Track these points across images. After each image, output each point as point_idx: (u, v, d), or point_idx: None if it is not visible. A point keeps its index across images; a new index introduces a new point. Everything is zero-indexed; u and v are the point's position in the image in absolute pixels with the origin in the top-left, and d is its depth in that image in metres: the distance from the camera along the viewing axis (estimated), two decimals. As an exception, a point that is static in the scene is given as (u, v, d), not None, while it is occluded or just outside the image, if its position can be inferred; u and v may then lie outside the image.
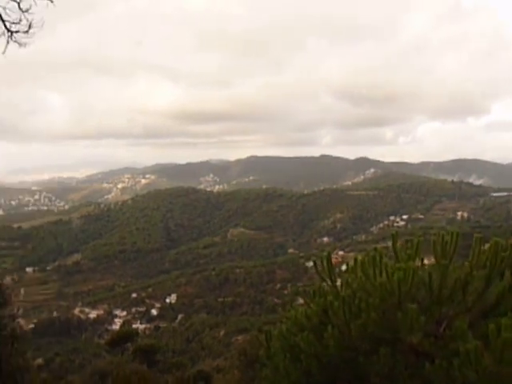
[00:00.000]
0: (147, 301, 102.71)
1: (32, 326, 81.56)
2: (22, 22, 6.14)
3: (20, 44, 6.28)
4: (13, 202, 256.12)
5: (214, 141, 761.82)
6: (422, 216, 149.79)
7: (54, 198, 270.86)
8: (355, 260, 5.96)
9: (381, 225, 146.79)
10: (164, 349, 30.79)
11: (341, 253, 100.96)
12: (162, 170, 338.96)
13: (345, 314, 5.33)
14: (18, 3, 6.08)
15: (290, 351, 5.82)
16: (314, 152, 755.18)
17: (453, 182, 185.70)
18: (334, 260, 6.17)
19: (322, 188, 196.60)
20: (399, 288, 5.04)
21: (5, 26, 6.11)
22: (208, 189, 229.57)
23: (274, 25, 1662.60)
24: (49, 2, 6.20)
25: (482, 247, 5.45)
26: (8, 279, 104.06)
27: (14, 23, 6.14)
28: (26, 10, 6.11)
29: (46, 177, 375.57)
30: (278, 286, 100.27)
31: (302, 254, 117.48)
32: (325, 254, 6.05)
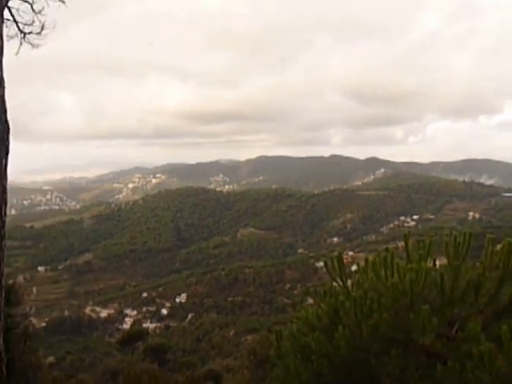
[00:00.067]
0: (157, 300, 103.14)
1: (44, 324, 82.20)
2: (34, 24, 6.21)
3: (33, 45, 6.35)
4: (25, 202, 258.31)
5: (224, 141, 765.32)
6: (432, 216, 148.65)
7: (65, 198, 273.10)
8: (366, 260, 5.93)
9: (391, 225, 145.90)
10: (174, 348, 30.93)
11: (351, 253, 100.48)
12: (172, 169, 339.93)
13: (356, 315, 5.30)
14: (31, 5, 6.15)
15: (301, 351, 5.81)
16: (324, 152, 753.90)
17: (464, 182, 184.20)
18: (344, 260, 6.14)
19: (331, 188, 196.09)
20: (411, 289, 5.01)
21: (18, 27, 6.18)
22: (218, 189, 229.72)
23: (283, 24, 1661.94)
24: (61, 4, 6.26)
25: (495, 248, 5.40)
26: (20, 278, 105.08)
27: (26, 25, 6.21)
28: (39, 12, 6.18)
29: (57, 177, 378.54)
30: (288, 286, 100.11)
31: (311, 255, 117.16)
32: (336, 254, 6.03)
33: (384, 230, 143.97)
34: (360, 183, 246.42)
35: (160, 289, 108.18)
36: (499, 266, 5.22)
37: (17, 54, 6.24)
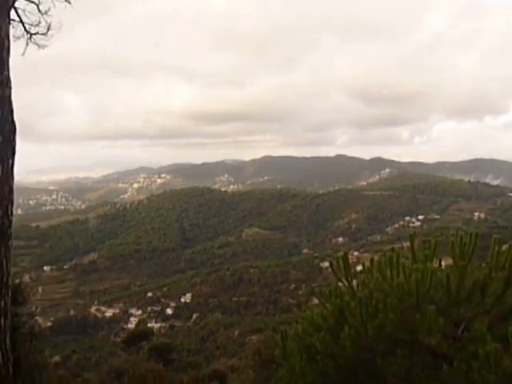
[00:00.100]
0: (162, 300, 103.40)
1: (49, 323, 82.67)
2: (40, 24, 6.23)
3: (39, 46, 6.37)
4: (31, 202, 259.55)
5: (229, 141, 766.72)
6: (437, 216, 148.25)
7: (70, 198, 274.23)
8: (372, 260, 5.92)
9: (396, 225, 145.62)
10: (179, 348, 30.92)
11: (356, 253, 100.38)
12: (177, 169, 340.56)
13: (361, 315, 5.29)
14: (37, 5, 6.17)
15: (306, 352, 5.80)
16: (329, 152, 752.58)
17: (469, 182, 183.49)
18: (349, 260, 6.13)
19: (336, 188, 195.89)
20: (417, 289, 4.99)
21: (24, 28, 6.20)
22: (223, 189, 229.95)
23: (289, 24, 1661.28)
24: (67, 4, 6.28)
25: (501, 248, 5.38)
26: (26, 278, 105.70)
27: (33, 25, 6.23)
28: (45, 12, 6.20)
29: (62, 177, 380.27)
30: (293, 286, 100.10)
31: (316, 255, 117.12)
32: (341, 254, 6.02)
33: (389, 230, 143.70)
34: (365, 183, 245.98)
35: (165, 289, 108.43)
36: (505, 266, 5.18)
37: (23, 54, 6.26)
